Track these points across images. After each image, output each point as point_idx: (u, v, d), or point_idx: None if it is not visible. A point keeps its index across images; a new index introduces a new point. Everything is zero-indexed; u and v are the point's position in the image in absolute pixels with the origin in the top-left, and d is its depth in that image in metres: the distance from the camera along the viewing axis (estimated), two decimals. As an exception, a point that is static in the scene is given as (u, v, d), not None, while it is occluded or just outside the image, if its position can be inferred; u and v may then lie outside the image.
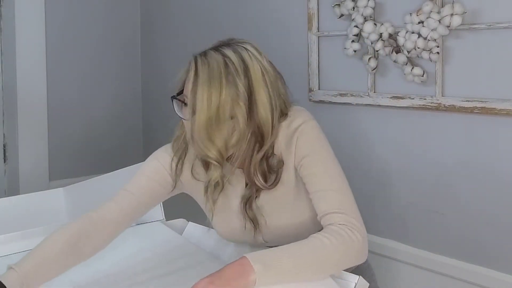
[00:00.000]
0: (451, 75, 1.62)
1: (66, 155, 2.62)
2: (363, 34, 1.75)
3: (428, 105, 1.65)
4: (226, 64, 1.13)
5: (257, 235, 1.25)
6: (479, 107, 1.54)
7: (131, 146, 2.85)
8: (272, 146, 1.20)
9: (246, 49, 1.18)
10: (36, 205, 1.65)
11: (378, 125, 1.81)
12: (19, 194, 2.31)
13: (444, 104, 1.62)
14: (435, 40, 1.59)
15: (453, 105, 1.60)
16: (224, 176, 1.19)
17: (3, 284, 1.03)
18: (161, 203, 1.58)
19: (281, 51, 2.02)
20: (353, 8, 1.78)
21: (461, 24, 1.55)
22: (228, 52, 1.17)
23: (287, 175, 1.21)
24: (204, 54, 1.17)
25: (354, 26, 1.77)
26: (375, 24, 1.72)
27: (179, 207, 1.59)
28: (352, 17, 1.78)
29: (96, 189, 1.69)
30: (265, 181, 1.20)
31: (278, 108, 1.18)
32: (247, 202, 1.23)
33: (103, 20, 2.73)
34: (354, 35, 1.78)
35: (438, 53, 1.60)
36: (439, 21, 1.57)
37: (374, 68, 1.77)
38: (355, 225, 1.10)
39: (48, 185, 2.50)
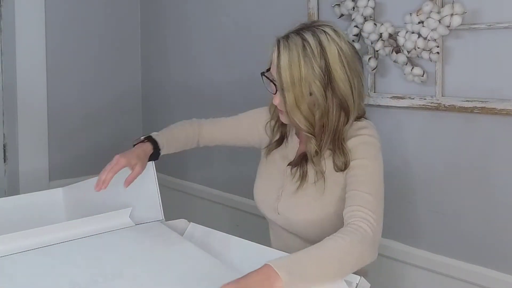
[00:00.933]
0: (451, 75, 1.62)
1: (66, 155, 2.62)
2: (363, 34, 1.75)
3: (428, 105, 1.65)
4: (304, 47, 1.27)
5: (279, 201, 1.41)
6: (479, 107, 1.54)
7: (131, 146, 2.85)
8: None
9: (324, 31, 1.30)
10: (35, 205, 1.65)
11: (378, 125, 1.80)
12: (19, 194, 2.31)
13: (444, 104, 1.62)
14: (435, 40, 1.59)
15: (453, 105, 1.60)
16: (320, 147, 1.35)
17: (154, 140, 1.55)
18: (161, 203, 1.58)
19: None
20: (353, 8, 1.78)
21: (461, 24, 1.55)
22: (307, 35, 1.29)
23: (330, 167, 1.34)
24: (286, 37, 1.31)
25: (354, 26, 1.77)
26: (375, 24, 1.73)
27: (179, 208, 1.59)
28: (352, 17, 1.78)
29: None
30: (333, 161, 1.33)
31: (356, 87, 1.31)
32: (303, 158, 1.39)
33: (103, 20, 2.73)
34: (354, 35, 1.78)
35: (438, 53, 1.60)
36: (439, 21, 1.57)
37: (374, 68, 1.77)
38: (370, 222, 1.18)
39: (48, 185, 2.50)
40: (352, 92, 1.30)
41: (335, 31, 1.32)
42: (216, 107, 2.44)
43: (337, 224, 1.30)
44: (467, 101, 1.57)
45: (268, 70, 1.37)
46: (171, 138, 1.60)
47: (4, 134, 2.56)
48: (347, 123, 1.33)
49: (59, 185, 1.82)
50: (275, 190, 1.44)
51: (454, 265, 1.64)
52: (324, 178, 1.34)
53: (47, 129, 2.55)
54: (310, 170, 1.37)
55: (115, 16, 2.77)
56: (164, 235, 1.45)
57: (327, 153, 1.35)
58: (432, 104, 1.65)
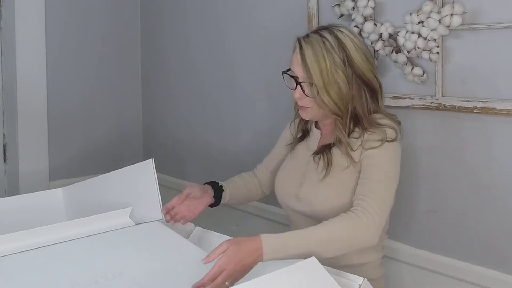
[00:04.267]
0: (451, 75, 1.62)
1: (66, 155, 2.62)
2: (363, 34, 1.75)
3: (428, 105, 1.65)
4: (323, 42, 1.43)
5: (301, 187, 1.52)
6: (479, 107, 1.54)
7: (131, 146, 2.85)
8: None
9: (340, 30, 1.47)
10: (35, 205, 1.65)
11: (378, 125, 1.81)
12: (19, 194, 2.31)
13: (444, 104, 1.62)
14: (435, 40, 1.59)
15: (453, 105, 1.60)
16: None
17: (220, 187, 1.67)
18: (161, 203, 1.58)
19: (281, 51, 2.02)
20: (353, 8, 1.78)
21: (461, 24, 1.55)
22: (325, 33, 1.46)
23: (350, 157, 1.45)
24: (306, 36, 1.48)
25: (354, 26, 1.77)
26: (375, 24, 1.73)
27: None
28: (352, 17, 1.78)
29: (96, 189, 1.69)
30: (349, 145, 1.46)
31: (377, 76, 1.49)
32: (327, 147, 1.50)
33: (103, 20, 2.73)
34: (354, 35, 1.78)
35: (438, 53, 1.60)
36: (439, 21, 1.57)
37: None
38: (368, 211, 1.33)
39: (48, 185, 2.50)
40: (375, 77, 1.48)
41: (350, 30, 1.49)
42: (217, 107, 2.44)
43: None
44: (467, 101, 1.57)
45: (289, 69, 1.51)
46: (234, 188, 1.72)
47: (4, 134, 2.56)
48: (378, 104, 1.49)
49: (59, 185, 1.82)
50: (298, 177, 1.55)
51: (454, 265, 1.64)
52: (350, 165, 1.45)
53: (47, 129, 2.55)
54: (335, 158, 1.47)
55: (115, 15, 2.77)
56: (164, 235, 1.45)
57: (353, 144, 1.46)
58: (432, 104, 1.65)
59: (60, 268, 1.26)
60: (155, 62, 2.79)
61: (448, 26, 1.56)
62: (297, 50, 1.46)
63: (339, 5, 1.83)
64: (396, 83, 1.75)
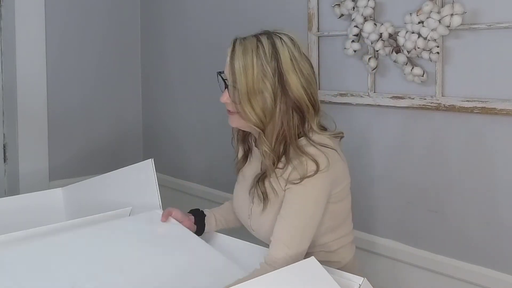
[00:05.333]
0: (451, 75, 1.62)
1: (66, 155, 2.62)
2: (363, 34, 1.75)
3: (428, 105, 1.65)
4: (257, 47, 1.33)
5: (251, 219, 1.45)
6: (479, 107, 1.54)
7: (131, 146, 2.85)
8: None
9: (280, 38, 1.36)
10: (35, 205, 1.65)
11: (378, 125, 1.81)
12: (19, 194, 2.31)
13: (444, 104, 1.62)
14: (435, 40, 1.59)
15: (453, 105, 1.60)
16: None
17: (202, 213, 1.57)
18: (161, 203, 1.58)
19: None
20: (353, 8, 1.78)
21: (461, 24, 1.55)
22: (263, 38, 1.36)
23: (278, 185, 1.36)
24: (243, 38, 1.39)
25: (354, 26, 1.77)
26: (375, 24, 1.72)
27: (179, 208, 1.58)
28: (352, 17, 1.78)
29: (96, 189, 1.69)
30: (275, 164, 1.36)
31: (312, 95, 1.35)
32: (259, 179, 1.40)
33: (103, 20, 2.73)
34: (354, 35, 1.78)
35: (438, 53, 1.60)
36: (439, 21, 1.57)
37: (374, 68, 1.77)
38: (275, 262, 1.26)
39: (48, 185, 2.50)
40: (306, 97, 1.34)
41: (291, 39, 1.37)
42: (217, 107, 2.44)
43: None
44: (467, 101, 1.57)
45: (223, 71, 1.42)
46: (223, 211, 1.65)
47: (4, 134, 2.56)
48: (303, 128, 1.36)
49: (59, 185, 1.82)
50: (246, 208, 1.47)
51: (454, 265, 1.64)
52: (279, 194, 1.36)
53: (47, 129, 2.55)
54: (269, 187, 1.38)
55: (115, 15, 2.77)
56: (165, 226, 1.45)
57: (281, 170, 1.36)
58: (432, 104, 1.65)
59: (59, 263, 1.26)
60: (155, 63, 2.79)
61: (448, 26, 1.56)
62: (229, 50, 1.37)
63: (339, 5, 1.83)
64: (396, 83, 1.75)
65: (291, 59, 1.33)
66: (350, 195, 1.46)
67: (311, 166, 1.30)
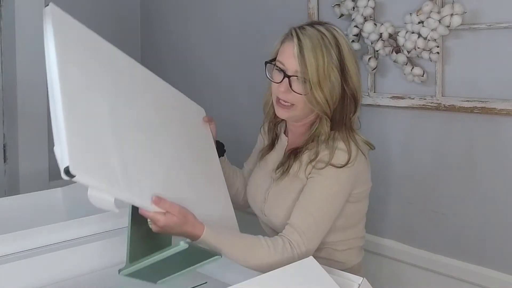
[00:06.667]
0: (451, 75, 1.62)
1: (66, 155, 2.61)
2: (363, 34, 1.75)
3: (428, 105, 1.65)
4: (321, 37, 1.34)
5: (265, 203, 1.46)
6: (479, 107, 1.54)
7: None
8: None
9: (335, 29, 1.39)
10: (35, 205, 1.65)
11: (378, 125, 1.81)
12: (19, 194, 2.30)
13: (444, 104, 1.62)
14: (435, 40, 1.59)
15: (453, 105, 1.60)
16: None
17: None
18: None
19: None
20: (353, 8, 1.78)
21: (461, 24, 1.55)
22: (321, 28, 1.36)
23: (304, 170, 1.37)
24: (301, 27, 1.37)
25: (354, 26, 1.77)
26: (375, 24, 1.72)
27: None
28: (352, 17, 1.78)
29: (96, 189, 1.69)
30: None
31: (361, 83, 1.40)
32: (292, 153, 1.42)
33: (103, 19, 2.73)
34: (354, 35, 1.78)
35: (438, 53, 1.60)
36: (439, 21, 1.57)
37: (374, 68, 1.77)
38: (298, 247, 1.27)
39: (48, 185, 2.49)
40: (360, 85, 1.39)
41: (342, 31, 1.41)
42: (217, 107, 2.44)
43: None
44: (467, 101, 1.57)
45: (273, 60, 1.41)
46: (233, 168, 1.65)
47: (4, 134, 2.55)
48: (354, 114, 1.39)
49: (59, 185, 1.82)
50: (263, 192, 1.48)
51: (454, 265, 1.64)
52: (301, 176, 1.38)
53: (47, 129, 2.54)
54: (296, 165, 1.40)
55: (115, 15, 2.77)
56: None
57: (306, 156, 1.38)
58: (432, 104, 1.64)
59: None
60: (155, 62, 2.79)
61: (448, 26, 1.56)
62: (295, 41, 1.34)
63: (339, 5, 1.83)
64: (396, 83, 1.75)
65: (348, 48, 1.37)
66: (368, 201, 1.47)
67: (342, 158, 1.33)
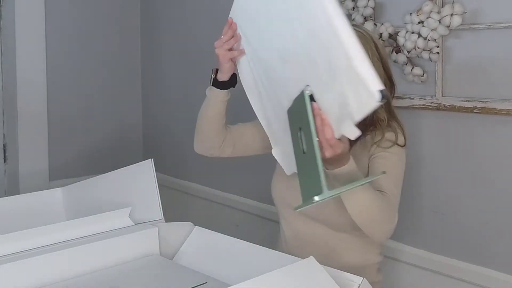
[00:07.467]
0: (451, 75, 1.62)
1: (66, 155, 2.62)
2: (363, 34, 1.75)
3: (428, 105, 1.65)
4: (360, 33, 1.37)
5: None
6: (479, 107, 1.54)
7: (131, 146, 2.85)
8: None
9: (362, 27, 1.46)
10: (35, 205, 1.65)
11: (378, 125, 1.81)
12: (19, 194, 2.30)
13: (444, 104, 1.62)
14: (435, 40, 1.59)
15: (453, 105, 1.60)
16: None
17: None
18: (160, 203, 1.58)
19: (281, 51, 2.02)
20: (353, 8, 1.78)
21: (461, 24, 1.55)
22: (354, 26, 1.39)
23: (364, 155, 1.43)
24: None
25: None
26: (375, 24, 1.72)
27: (179, 208, 1.59)
28: (352, 17, 1.78)
29: (96, 189, 1.69)
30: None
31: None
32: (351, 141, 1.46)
33: (103, 19, 2.73)
34: (354, 35, 1.78)
35: (438, 53, 1.60)
36: (439, 21, 1.57)
37: (374, 68, 1.77)
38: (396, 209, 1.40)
39: (48, 185, 2.50)
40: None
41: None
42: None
43: None
44: (467, 101, 1.57)
45: None
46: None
47: (4, 134, 2.56)
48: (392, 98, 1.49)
49: (59, 185, 1.82)
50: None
51: (454, 265, 1.64)
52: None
53: (47, 129, 2.55)
54: (355, 149, 1.43)
55: (116, 15, 2.78)
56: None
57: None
58: (432, 104, 1.64)
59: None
60: (155, 63, 2.79)
61: (448, 26, 1.56)
62: None
63: (339, 5, 1.83)
64: (396, 83, 1.74)
65: (379, 44, 1.43)
66: None
67: (401, 139, 1.42)
